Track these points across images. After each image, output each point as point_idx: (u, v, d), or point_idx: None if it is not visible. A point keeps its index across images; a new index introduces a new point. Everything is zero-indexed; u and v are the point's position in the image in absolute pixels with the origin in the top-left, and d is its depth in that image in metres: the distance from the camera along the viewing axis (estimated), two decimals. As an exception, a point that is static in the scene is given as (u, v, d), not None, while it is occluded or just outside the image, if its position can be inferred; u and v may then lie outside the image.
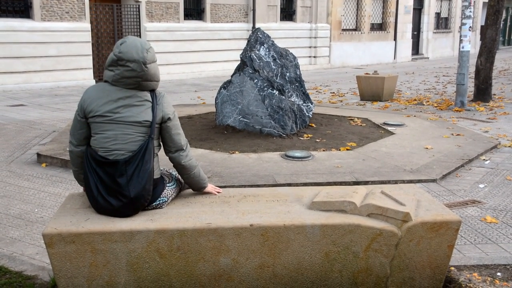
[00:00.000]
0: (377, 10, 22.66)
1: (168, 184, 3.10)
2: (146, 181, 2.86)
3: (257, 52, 7.50)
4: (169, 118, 2.98)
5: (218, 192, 3.30)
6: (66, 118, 8.91)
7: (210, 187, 3.28)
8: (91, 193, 2.90)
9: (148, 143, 2.89)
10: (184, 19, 15.86)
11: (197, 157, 5.75)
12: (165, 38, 15.32)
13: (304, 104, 7.60)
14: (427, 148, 6.47)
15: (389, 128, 7.67)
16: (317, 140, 6.86)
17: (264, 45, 7.62)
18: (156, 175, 3.00)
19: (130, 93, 2.90)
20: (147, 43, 2.94)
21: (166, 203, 3.05)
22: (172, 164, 3.12)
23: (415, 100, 11.37)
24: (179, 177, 3.23)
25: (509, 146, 6.92)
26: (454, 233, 2.91)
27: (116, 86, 2.90)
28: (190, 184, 3.20)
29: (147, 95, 2.94)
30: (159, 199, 3.00)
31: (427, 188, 5.12)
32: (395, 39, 23.38)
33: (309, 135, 7.10)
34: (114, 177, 2.84)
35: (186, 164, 3.06)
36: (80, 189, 5.07)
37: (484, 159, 6.25)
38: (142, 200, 2.87)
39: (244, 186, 4.93)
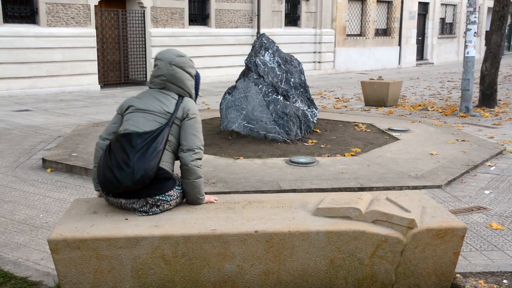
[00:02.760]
0: (382, 15, 22.67)
1: (177, 187, 3.09)
2: (153, 159, 2.92)
3: (262, 57, 7.51)
4: (188, 115, 3.11)
5: (215, 200, 3.28)
6: (71, 123, 8.94)
7: (205, 202, 3.23)
8: (99, 169, 3.02)
9: (164, 128, 3.04)
10: (189, 24, 15.92)
11: (202, 162, 5.74)
12: (170, 44, 15.34)
13: (308, 109, 7.60)
14: (432, 154, 6.45)
15: (394, 134, 7.66)
16: (322, 146, 6.86)
17: (269, 51, 7.63)
18: (168, 169, 3.05)
19: (160, 92, 3.18)
20: (184, 54, 3.24)
21: (168, 203, 3.03)
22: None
23: (419, 105, 11.35)
24: None
25: (515, 152, 6.90)
26: (459, 240, 2.90)
27: (152, 89, 3.23)
28: (187, 193, 3.13)
29: (175, 96, 3.18)
30: (164, 194, 3.00)
31: (432, 194, 5.10)
32: (399, 44, 23.37)
33: (314, 141, 7.09)
34: (125, 148, 2.95)
35: (191, 167, 3.05)
36: (86, 194, 5.09)
37: (489, 165, 6.22)
38: (144, 174, 2.88)
39: (249, 192, 4.92)
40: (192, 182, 3.09)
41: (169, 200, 3.04)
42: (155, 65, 3.20)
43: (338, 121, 8.66)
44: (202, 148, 3.14)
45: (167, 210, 3.05)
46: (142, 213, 3.00)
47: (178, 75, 3.16)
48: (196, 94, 3.43)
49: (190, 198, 3.16)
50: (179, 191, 3.12)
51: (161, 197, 2.99)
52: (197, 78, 3.42)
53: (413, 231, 2.84)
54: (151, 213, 3.01)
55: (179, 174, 3.20)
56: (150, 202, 2.98)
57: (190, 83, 3.24)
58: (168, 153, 3.07)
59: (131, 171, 2.87)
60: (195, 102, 3.32)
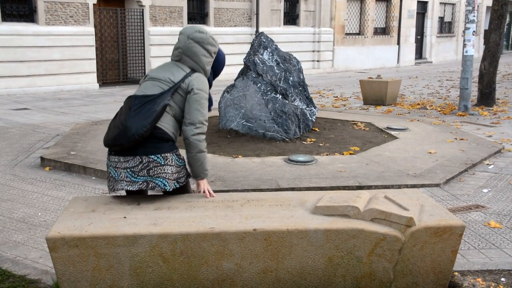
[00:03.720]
0: (381, 14, 22.67)
1: (176, 155, 3.13)
2: (146, 118, 3.03)
3: (261, 56, 7.51)
4: (192, 90, 3.17)
5: (211, 195, 3.27)
6: (70, 121, 8.93)
7: (205, 184, 3.27)
8: (107, 130, 3.17)
9: (164, 92, 3.14)
10: (188, 23, 15.89)
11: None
12: (169, 42, 15.33)
13: (307, 108, 7.60)
14: (430, 153, 6.46)
15: (393, 133, 7.66)
16: (320, 144, 6.86)
17: (268, 49, 7.63)
18: (166, 130, 3.12)
19: (175, 64, 3.29)
20: (205, 31, 3.31)
21: (161, 167, 3.04)
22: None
23: (418, 104, 11.36)
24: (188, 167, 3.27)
25: (513, 151, 6.91)
26: (457, 238, 2.90)
27: (171, 61, 3.34)
28: (190, 166, 3.22)
29: (187, 69, 3.25)
30: (159, 155, 3.05)
31: (430, 192, 5.11)
32: (398, 43, 23.38)
33: (312, 139, 7.10)
34: (125, 109, 3.13)
35: (192, 141, 3.12)
36: (84, 192, 5.09)
37: (487, 164, 6.23)
38: (135, 132, 2.98)
39: (247, 190, 4.92)
40: (194, 155, 3.16)
41: (162, 163, 3.05)
42: (178, 39, 3.33)
43: (336, 119, 8.67)
44: (205, 123, 3.19)
45: (166, 177, 3.06)
46: (129, 180, 3.05)
47: (194, 49, 3.24)
48: (216, 73, 3.48)
49: (193, 172, 3.23)
50: (177, 160, 3.14)
51: (155, 157, 3.04)
52: (219, 57, 3.44)
53: (411, 229, 2.85)
54: (137, 182, 3.05)
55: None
56: (144, 161, 3.03)
57: (206, 59, 3.28)
58: (169, 116, 3.16)
59: (124, 129, 3.01)
60: (211, 81, 3.39)
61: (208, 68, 3.32)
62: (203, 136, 3.18)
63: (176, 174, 3.15)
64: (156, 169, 3.05)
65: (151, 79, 3.25)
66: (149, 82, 3.23)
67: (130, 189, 3.08)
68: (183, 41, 3.26)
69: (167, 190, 3.11)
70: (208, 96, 3.27)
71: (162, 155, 3.06)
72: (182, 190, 3.31)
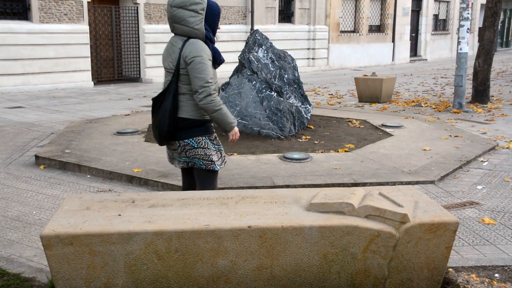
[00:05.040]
0: (375, 12, 22.69)
1: (208, 138, 3.44)
2: (162, 116, 3.37)
3: (255, 54, 7.50)
4: (187, 61, 3.29)
5: (235, 140, 3.56)
6: (65, 120, 8.90)
7: (232, 134, 3.53)
8: None
9: (170, 83, 3.36)
10: (183, 21, 15.86)
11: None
12: (164, 40, 15.23)
13: (302, 105, 7.61)
14: (425, 150, 6.48)
15: (387, 130, 7.68)
16: (315, 142, 6.87)
17: (262, 47, 7.63)
18: (194, 117, 3.39)
19: (173, 38, 3.42)
20: None
21: (194, 150, 3.40)
22: None
23: (413, 101, 11.39)
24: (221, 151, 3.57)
25: (507, 148, 6.94)
26: (452, 235, 2.91)
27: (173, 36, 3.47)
28: (216, 123, 3.48)
29: (180, 43, 3.35)
30: (191, 139, 3.40)
31: (425, 189, 5.13)
32: (393, 40, 23.41)
33: (308, 137, 7.10)
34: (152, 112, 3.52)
35: (202, 106, 3.31)
36: (79, 191, 5.08)
37: (482, 161, 6.26)
38: (161, 130, 3.39)
39: (242, 187, 4.92)
40: (212, 115, 3.37)
41: (195, 146, 3.40)
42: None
43: (331, 117, 8.68)
44: (207, 84, 3.27)
45: (201, 157, 3.42)
46: (177, 160, 3.53)
47: (179, 15, 3.31)
48: (212, 26, 3.45)
49: (221, 127, 3.49)
50: (211, 144, 3.45)
51: (188, 141, 3.40)
52: (212, 10, 3.40)
53: (405, 226, 2.85)
54: (181, 162, 3.51)
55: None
56: (181, 145, 3.42)
57: (194, 19, 3.31)
58: (189, 102, 3.38)
59: (155, 127, 3.45)
60: (211, 38, 3.41)
61: (200, 25, 3.33)
62: (210, 97, 3.29)
63: (212, 156, 3.43)
64: (190, 151, 3.42)
65: (164, 69, 3.48)
66: (164, 74, 3.50)
67: (178, 166, 3.57)
68: (168, 11, 3.34)
69: (209, 169, 3.46)
70: (206, 56, 3.30)
71: (194, 138, 3.40)
72: (192, 183, 3.69)
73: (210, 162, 3.45)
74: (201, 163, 3.44)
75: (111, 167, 5.61)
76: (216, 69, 3.53)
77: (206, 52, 3.32)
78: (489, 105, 10.69)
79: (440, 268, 2.97)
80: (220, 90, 3.72)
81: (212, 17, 3.43)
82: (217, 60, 3.45)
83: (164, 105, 3.36)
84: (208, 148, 3.44)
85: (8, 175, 5.65)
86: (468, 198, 4.95)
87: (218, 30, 3.52)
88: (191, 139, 3.40)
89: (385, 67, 21.85)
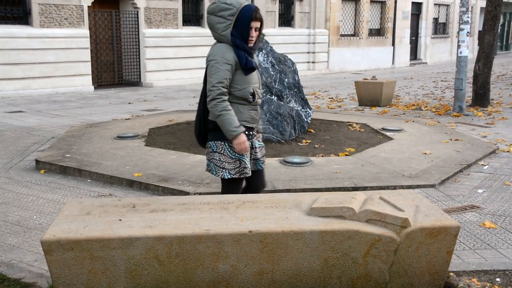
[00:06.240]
0: (375, 15, 22.73)
1: (227, 143, 3.40)
2: (196, 118, 3.57)
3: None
4: (206, 64, 3.41)
5: (240, 150, 3.40)
6: (65, 124, 8.91)
7: (236, 144, 3.37)
8: None
9: (202, 90, 3.50)
10: (183, 25, 15.90)
11: (195, 163, 5.75)
12: (164, 44, 15.35)
13: (302, 109, 7.61)
14: (425, 154, 6.47)
15: (388, 134, 7.68)
16: (316, 146, 6.87)
17: (263, 51, 7.64)
18: (211, 117, 3.44)
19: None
20: (217, 0, 3.42)
21: (214, 153, 3.45)
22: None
23: (413, 105, 11.39)
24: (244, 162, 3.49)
25: (508, 151, 6.93)
26: (453, 239, 2.91)
27: None
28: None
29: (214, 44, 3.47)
30: (213, 142, 3.46)
31: (425, 193, 5.12)
32: (393, 44, 23.45)
33: (308, 141, 7.10)
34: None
35: (209, 109, 3.39)
36: (79, 195, 5.07)
37: (482, 164, 6.25)
38: (194, 131, 3.60)
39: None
40: (216, 120, 3.38)
41: (214, 149, 3.45)
42: None
43: (332, 121, 8.68)
44: (212, 88, 3.31)
45: (215, 162, 3.46)
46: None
47: (211, 21, 3.42)
48: (242, 34, 3.35)
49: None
50: (228, 150, 3.42)
51: (211, 143, 3.49)
52: (242, 15, 3.33)
53: (406, 230, 2.85)
54: (207, 162, 3.58)
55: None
56: (207, 146, 3.53)
57: (221, 25, 3.36)
58: None
59: (195, 134, 3.66)
60: (237, 44, 3.33)
61: (226, 32, 3.34)
62: (214, 102, 3.31)
63: (226, 164, 3.41)
64: (210, 154, 3.50)
65: None
66: None
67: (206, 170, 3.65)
68: (207, 19, 3.46)
69: (219, 176, 3.47)
70: (220, 60, 3.30)
71: (216, 142, 3.45)
72: (251, 185, 3.68)
73: (221, 169, 3.44)
74: (212, 167, 3.50)
75: (112, 172, 5.61)
76: (247, 75, 3.42)
77: (223, 56, 3.30)
78: (489, 109, 10.69)
79: (441, 273, 2.97)
80: (258, 99, 3.54)
81: (241, 23, 3.33)
82: (243, 66, 3.34)
83: (199, 107, 3.55)
84: (224, 154, 3.43)
85: (9, 180, 5.65)
86: (469, 202, 4.95)
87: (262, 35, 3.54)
88: (212, 142, 3.48)
89: (385, 70, 21.86)
